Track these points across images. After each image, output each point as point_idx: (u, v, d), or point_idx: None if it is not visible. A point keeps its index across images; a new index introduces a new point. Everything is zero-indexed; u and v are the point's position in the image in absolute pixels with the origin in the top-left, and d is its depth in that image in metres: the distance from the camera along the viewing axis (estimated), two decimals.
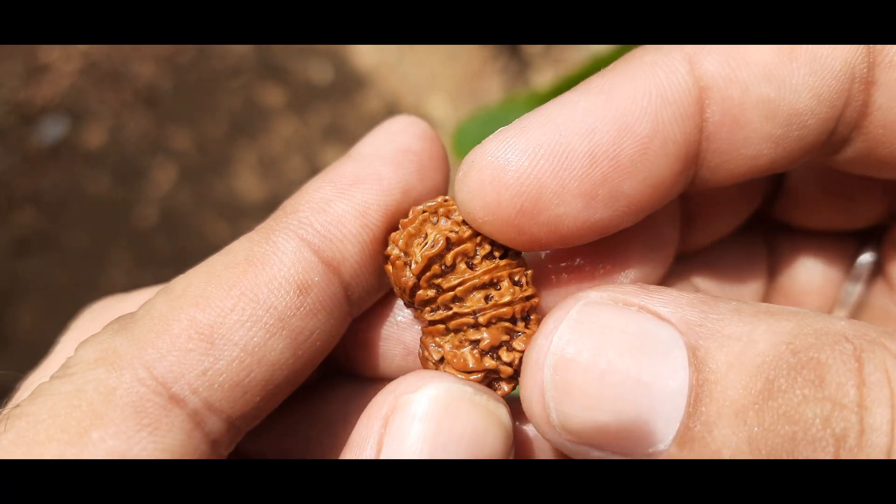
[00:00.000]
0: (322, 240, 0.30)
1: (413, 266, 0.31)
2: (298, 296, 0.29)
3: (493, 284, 0.31)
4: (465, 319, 0.31)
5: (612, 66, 0.31)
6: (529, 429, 0.34)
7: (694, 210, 0.38)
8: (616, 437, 0.25)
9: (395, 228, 0.33)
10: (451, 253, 0.31)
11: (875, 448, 0.22)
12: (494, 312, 0.31)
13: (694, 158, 0.31)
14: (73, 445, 0.25)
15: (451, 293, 0.31)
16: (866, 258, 0.40)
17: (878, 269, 0.40)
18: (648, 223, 0.34)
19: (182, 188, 1.74)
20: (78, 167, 1.73)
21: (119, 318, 0.29)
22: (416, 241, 0.32)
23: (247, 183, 1.77)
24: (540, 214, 0.29)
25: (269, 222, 0.31)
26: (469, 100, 1.84)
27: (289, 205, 0.31)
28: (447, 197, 0.33)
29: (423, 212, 0.32)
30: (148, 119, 1.81)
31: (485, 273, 0.31)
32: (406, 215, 0.33)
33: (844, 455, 0.22)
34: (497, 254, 0.32)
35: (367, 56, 1.93)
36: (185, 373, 0.27)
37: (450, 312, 0.31)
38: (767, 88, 0.29)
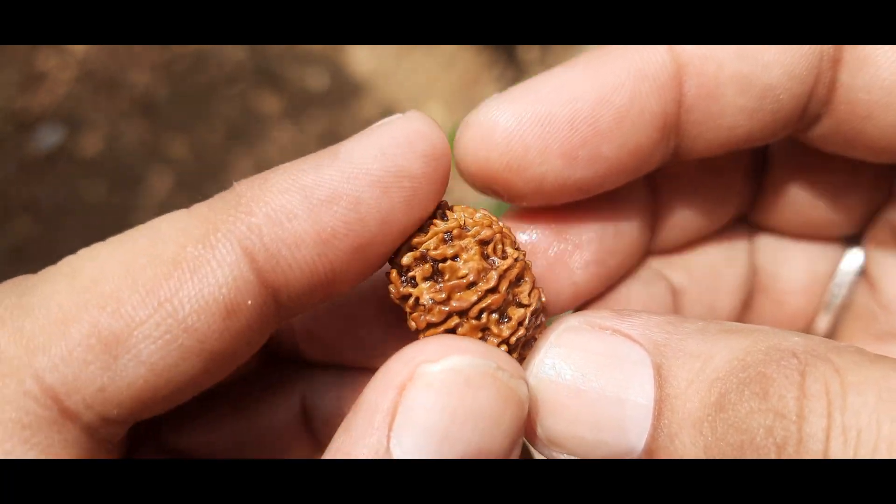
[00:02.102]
0: (268, 259, 0.26)
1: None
2: (224, 319, 0.25)
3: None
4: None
5: (597, 47, 0.33)
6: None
7: (664, 205, 0.38)
8: (595, 447, 0.27)
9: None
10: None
11: (811, 454, 0.23)
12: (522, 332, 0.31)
13: (673, 128, 0.33)
14: None
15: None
16: (850, 259, 0.40)
17: (861, 271, 0.40)
18: (611, 209, 0.36)
19: (179, 195, 1.74)
20: (74, 175, 1.73)
21: (8, 293, 0.25)
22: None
23: None
24: (525, 171, 0.31)
25: (217, 213, 0.26)
26: (465, 107, 1.84)
27: (245, 194, 0.27)
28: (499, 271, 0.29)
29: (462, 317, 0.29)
30: (144, 126, 1.81)
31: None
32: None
33: None
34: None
35: (363, 62, 1.93)
36: (81, 388, 0.24)
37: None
38: (741, 65, 0.31)
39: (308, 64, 1.93)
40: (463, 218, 0.30)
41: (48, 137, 1.77)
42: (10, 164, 1.73)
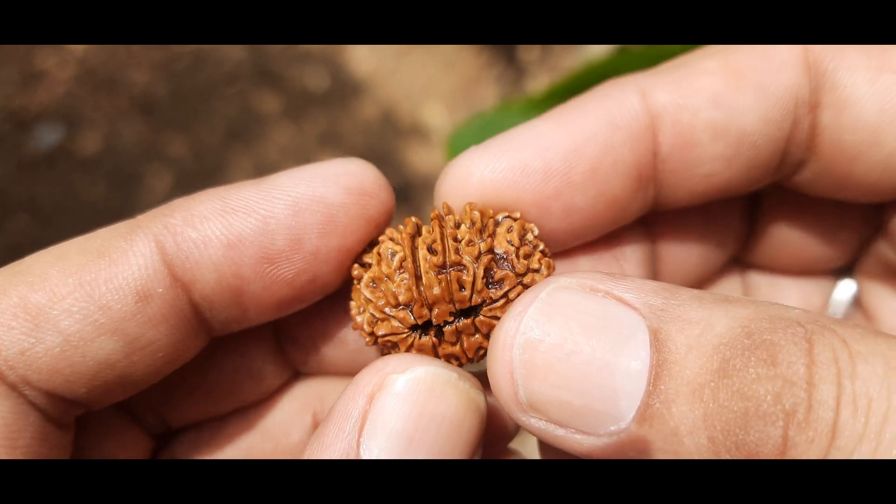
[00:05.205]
0: (179, 253, 0.29)
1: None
2: (136, 302, 0.28)
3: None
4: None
5: (572, 99, 0.33)
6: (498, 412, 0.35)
7: (664, 254, 0.39)
8: (580, 414, 0.26)
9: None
10: None
11: (821, 422, 0.23)
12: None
13: (649, 178, 0.33)
14: None
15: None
16: (843, 290, 0.41)
17: (854, 300, 0.40)
18: (614, 264, 0.36)
19: (177, 195, 1.72)
20: (73, 174, 1.73)
21: None
22: None
23: None
24: None
25: (143, 217, 0.30)
26: (465, 107, 1.84)
27: (174, 204, 0.31)
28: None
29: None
30: (143, 126, 1.81)
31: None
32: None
33: (793, 429, 0.23)
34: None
35: (363, 63, 1.93)
36: (3, 349, 0.27)
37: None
38: (716, 112, 0.32)
39: (308, 64, 1.93)
40: (358, 305, 0.32)
41: (47, 136, 1.77)
42: (8, 162, 1.73)
